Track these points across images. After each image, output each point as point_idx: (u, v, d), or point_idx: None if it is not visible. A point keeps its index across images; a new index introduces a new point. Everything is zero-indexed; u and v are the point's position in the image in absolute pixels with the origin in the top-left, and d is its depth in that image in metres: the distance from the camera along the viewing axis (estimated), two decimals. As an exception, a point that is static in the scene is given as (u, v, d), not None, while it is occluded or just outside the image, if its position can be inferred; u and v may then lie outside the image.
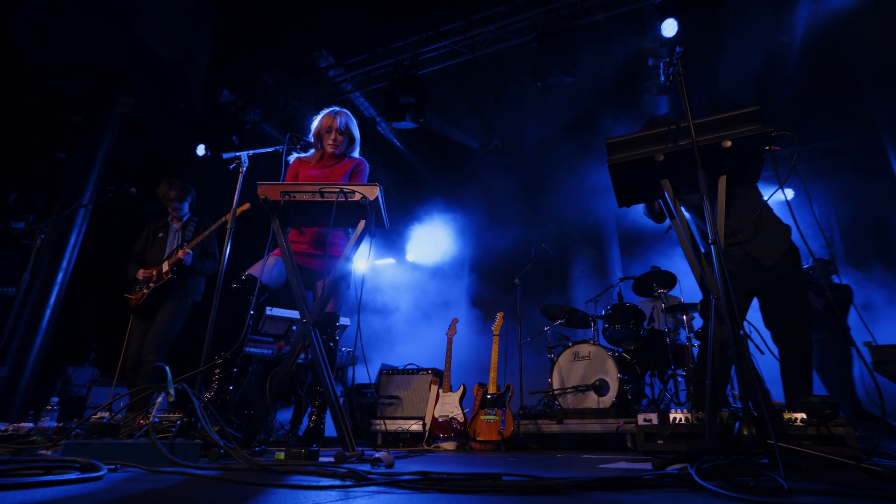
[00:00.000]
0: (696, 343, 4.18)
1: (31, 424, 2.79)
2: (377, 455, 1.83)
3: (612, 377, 3.91)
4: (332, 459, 1.99)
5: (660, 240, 6.96)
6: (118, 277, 4.05)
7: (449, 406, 3.90)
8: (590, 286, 7.27)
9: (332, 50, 7.15)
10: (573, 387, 4.03)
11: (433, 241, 8.59)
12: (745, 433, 1.47)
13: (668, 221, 2.22)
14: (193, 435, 1.94)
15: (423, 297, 8.03)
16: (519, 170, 8.44)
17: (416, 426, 4.06)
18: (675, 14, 5.05)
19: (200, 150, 7.25)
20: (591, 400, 3.93)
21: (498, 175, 8.55)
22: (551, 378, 4.20)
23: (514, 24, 6.04)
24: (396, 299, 8.02)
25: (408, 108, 6.22)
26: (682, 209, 2.02)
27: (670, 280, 4.78)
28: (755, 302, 2.56)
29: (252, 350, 4.16)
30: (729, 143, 1.80)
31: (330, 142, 2.96)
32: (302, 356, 3.41)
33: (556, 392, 4.08)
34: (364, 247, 2.51)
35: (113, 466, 1.52)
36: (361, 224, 2.40)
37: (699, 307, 3.21)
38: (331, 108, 3.04)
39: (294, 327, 4.41)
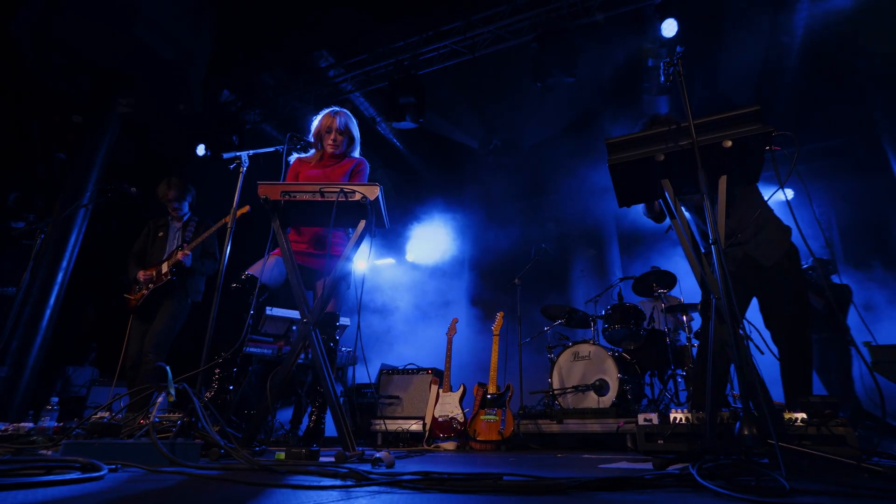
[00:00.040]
0: (696, 343, 4.18)
1: (31, 424, 2.78)
2: (378, 455, 1.82)
3: (612, 377, 3.91)
4: (332, 459, 1.99)
5: (660, 240, 6.96)
6: (118, 277, 4.05)
7: (449, 406, 3.90)
8: (590, 286, 7.27)
9: (332, 50, 7.15)
10: (573, 387, 4.03)
11: (433, 240, 8.57)
12: (746, 433, 1.47)
13: (667, 221, 2.23)
14: (194, 435, 1.94)
15: (422, 296, 8.02)
16: (519, 170, 8.43)
17: (416, 426, 4.06)
18: (675, 14, 5.05)
19: (200, 150, 7.25)
20: (591, 400, 3.93)
21: (498, 175, 8.54)
22: (551, 378, 4.20)
23: (514, 24, 6.03)
24: (396, 299, 8.01)
25: (408, 108, 6.21)
26: (683, 209, 2.02)
27: (670, 280, 4.78)
28: (755, 302, 2.56)
29: (252, 350, 4.17)
30: (729, 143, 1.80)
31: (330, 142, 2.96)
32: (302, 356, 3.41)
33: (556, 392, 4.08)
34: (364, 247, 2.51)
35: (114, 466, 1.52)
36: (362, 224, 2.40)
37: (699, 307, 3.21)
38: (330, 108, 3.04)
39: (294, 327, 4.41)
